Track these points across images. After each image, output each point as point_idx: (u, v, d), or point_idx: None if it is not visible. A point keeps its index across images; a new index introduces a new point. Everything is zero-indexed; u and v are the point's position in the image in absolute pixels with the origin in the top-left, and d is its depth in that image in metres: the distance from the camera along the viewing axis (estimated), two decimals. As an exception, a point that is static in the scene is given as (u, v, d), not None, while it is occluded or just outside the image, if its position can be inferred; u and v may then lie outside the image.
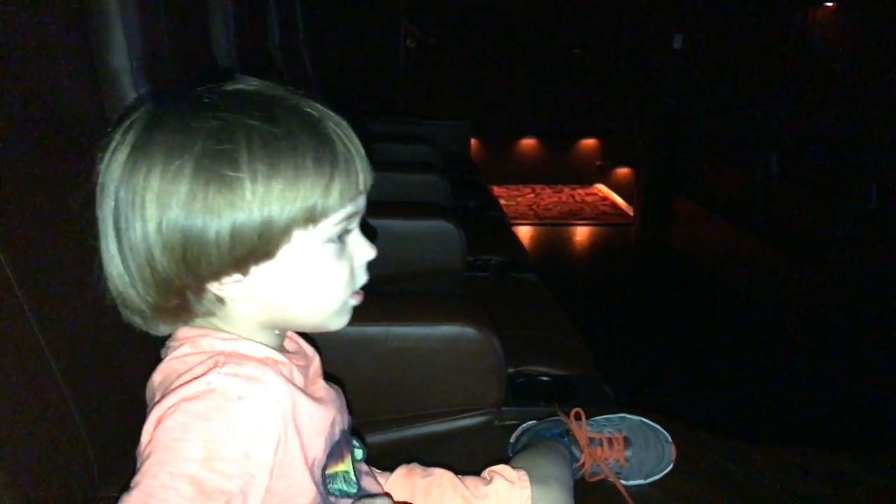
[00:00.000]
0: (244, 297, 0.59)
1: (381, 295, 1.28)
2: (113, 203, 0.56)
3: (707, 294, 3.55)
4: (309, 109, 0.59)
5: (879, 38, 3.52)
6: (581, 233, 4.65)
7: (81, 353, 0.73)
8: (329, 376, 0.72)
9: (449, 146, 2.80)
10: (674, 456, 0.97)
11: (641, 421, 0.99)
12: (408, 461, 0.84)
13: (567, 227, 4.69)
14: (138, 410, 0.60)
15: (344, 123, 0.60)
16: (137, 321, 0.60)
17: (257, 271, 0.58)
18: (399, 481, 0.81)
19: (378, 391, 1.07)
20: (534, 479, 0.80)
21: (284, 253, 0.58)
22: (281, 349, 0.65)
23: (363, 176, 0.60)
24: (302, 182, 0.56)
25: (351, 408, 0.73)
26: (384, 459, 0.84)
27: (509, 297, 1.64)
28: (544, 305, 1.62)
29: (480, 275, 1.75)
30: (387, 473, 0.82)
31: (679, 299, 3.48)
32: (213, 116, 0.55)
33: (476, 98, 5.09)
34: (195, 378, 0.55)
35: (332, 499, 0.64)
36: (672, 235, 4.36)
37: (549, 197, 5.31)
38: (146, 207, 0.54)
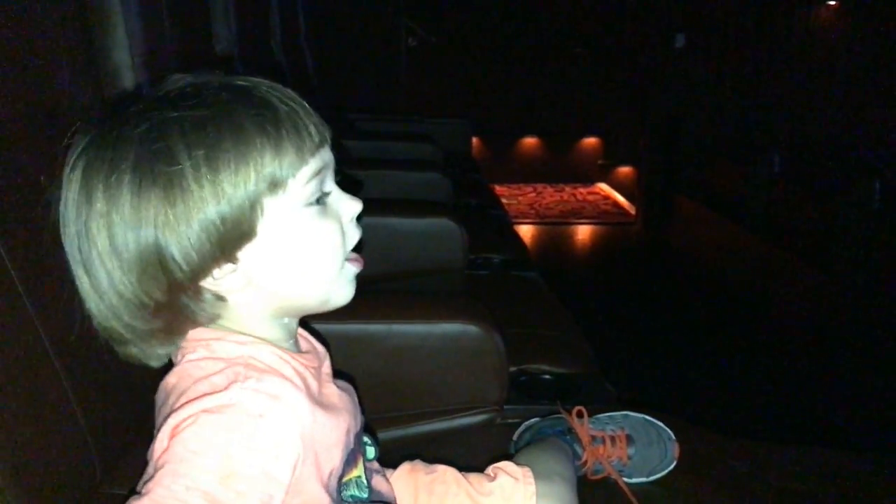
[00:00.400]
0: (242, 285, 0.58)
1: (382, 292, 1.28)
2: (76, 241, 0.55)
3: (708, 293, 3.55)
4: (240, 82, 0.57)
5: (882, 36, 3.51)
6: (582, 232, 4.64)
7: (83, 349, 0.73)
8: (340, 374, 0.71)
9: (450, 145, 2.80)
10: (677, 454, 0.97)
11: (644, 418, 0.99)
12: (410, 459, 0.83)
13: (568, 226, 4.69)
14: (141, 407, 0.60)
15: (280, 86, 0.58)
16: (132, 352, 0.59)
17: (246, 255, 0.56)
18: (402, 478, 0.80)
19: (380, 389, 1.07)
20: (538, 476, 0.79)
21: (266, 228, 0.56)
22: (295, 350, 0.64)
23: (315, 128, 0.58)
24: (249, 152, 0.54)
25: (363, 406, 0.72)
26: (386, 457, 0.83)
27: (511, 296, 1.63)
28: (546, 303, 1.62)
29: (482, 273, 1.75)
30: (390, 470, 0.81)
31: (680, 298, 3.47)
32: (143, 119, 0.54)
33: (477, 97, 5.09)
34: (216, 390, 0.53)
35: None
36: (673, 234, 4.36)
37: (551, 196, 5.31)
38: (95, 232, 0.53)
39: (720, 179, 4.24)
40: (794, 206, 3.58)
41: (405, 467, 0.81)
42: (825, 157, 3.59)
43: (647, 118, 4.61)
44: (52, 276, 0.69)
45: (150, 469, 0.53)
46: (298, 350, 0.65)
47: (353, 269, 0.63)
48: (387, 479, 0.74)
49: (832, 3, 3.85)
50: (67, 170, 0.56)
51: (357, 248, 0.64)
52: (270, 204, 0.56)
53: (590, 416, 0.97)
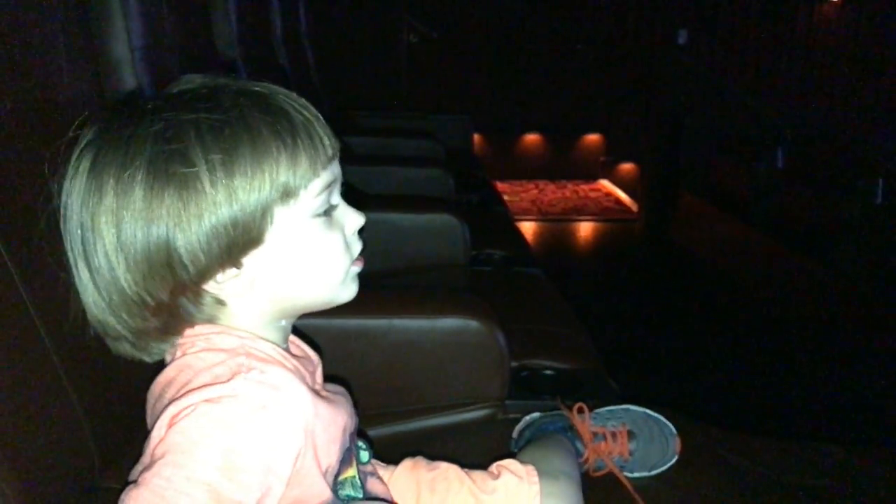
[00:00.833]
0: (244, 290, 0.58)
1: (384, 288, 1.28)
2: (79, 232, 0.55)
3: (711, 289, 3.55)
4: (256, 88, 0.57)
5: (886, 32, 3.50)
6: (585, 228, 4.64)
7: (82, 343, 0.72)
8: (335, 378, 0.71)
9: (451, 141, 2.79)
10: (678, 448, 0.96)
11: (645, 413, 0.99)
12: (411, 454, 0.83)
13: (571, 223, 4.69)
14: (140, 402, 0.60)
15: (294, 95, 0.59)
16: (125, 348, 0.59)
17: (251, 261, 0.57)
18: (404, 475, 0.80)
19: (381, 384, 1.07)
20: (542, 474, 0.78)
21: (274, 236, 0.56)
22: (288, 353, 0.64)
23: (329, 140, 0.58)
24: (265, 160, 0.54)
25: (357, 409, 0.72)
26: (387, 453, 0.83)
27: (513, 291, 1.63)
28: (548, 299, 1.62)
29: (484, 269, 1.74)
30: (391, 467, 0.81)
31: (682, 293, 3.47)
32: (158, 119, 0.54)
33: (479, 93, 5.09)
34: (218, 381, 0.53)
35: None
36: (676, 231, 4.35)
37: (553, 192, 5.30)
38: (103, 227, 0.53)
39: (722, 176, 4.23)
40: (796, 202, 3.58)
41: (406, 464, 0.81)
42: (828, 153, 3.58)
43: (649, 115, 4.60)
44: (50, 270, 0.69)
45: (145, 458, 0.52)
46: (292, 355, 0.65)
47: (356, 269, 0.64)
48: (382, 481, 0.74)
49: (835, -2, 3.84)
50: (74, 159, 0.55)
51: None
52: (280, 212, 0.56)
53: (590, 411, 0.97)
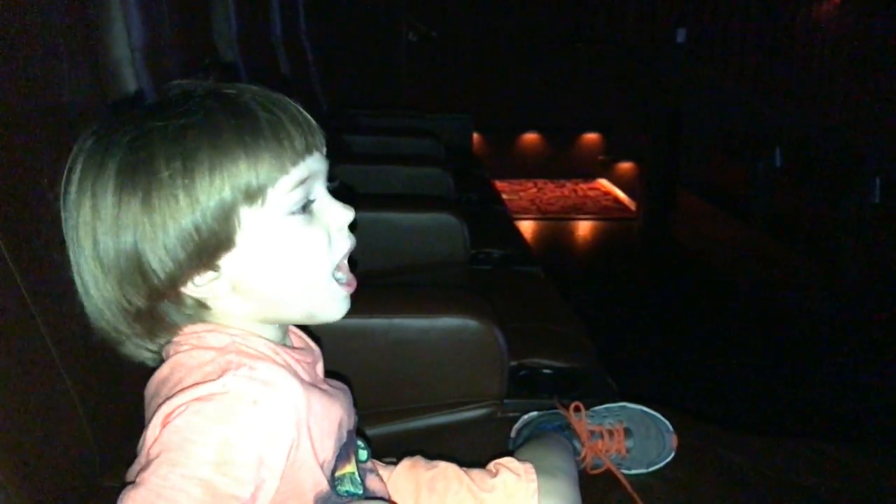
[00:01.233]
0: (227, 292, 0.58)
1: (383, 287, 1.28)
2: (70, 242, 0.56)
3: (709, 287, 3.55)
4: (227, 90, 0.57)
5: (884, 31, 3.50)
6: (583, 227, 4.64)
7: (83, 342, 0.73)
8: (335, 374, 0.71)
9: (451, 140, 2.79)
10: (675, 445, 0.97)
11: (642, 410, 0.99)
12: (409, 453, 0.83)
13: (570, 222, 4.69)
14: (140, 400, 0.60)
15: (268, 92, 0.58)
16: (127, 350, 0.60)
17: (227, 263, 0.57)
18: (403, 474, 0.80)
19: (379, 383, 1.07)
20: (540, 472, 0.79)
21: (245, 237, 0.56)
22: (286, 345, 0.64)
23: (301, 138, 0.57)
24: (224, 161, 0.54)
25: (357, 406, 0.72)
26: (386, 451, 0.83)
27: (512, 290, 1.63)
28: (547, 298, 1.62)
29: (483, 268, 1.75)
30: (391, 466, 0.81)
31: (681, 292, 3.48)
32: (132, 127, 0.54)
33: (478, 92, 5.08)
34: (208, 378, 0.54)
35: (340, 500, 0.64)
36: (675, 229, 4.36)
37: (552, 191, 5.31)
38: (82, 237, 0.55)
39: (721, 174, 4.23)
40: (794, 201, 3.58)
41: (406, 463, 0.81)
42: (826, 152, 3.59)
43: (648, 114, 4.61)
44: (53, 271, 0.70)
45: (140, 458, 0.53)
46: (291, 346, 0.65)
47: (344, 291, 0.62)
48: (380, 479, 0.74)
49: (834, -3, 3.84)
50: (67, 169, 0.57)
51: (350, 268, 0.63)
52: (248, 214, 0.55)
53: (587, 409, 0.97)
